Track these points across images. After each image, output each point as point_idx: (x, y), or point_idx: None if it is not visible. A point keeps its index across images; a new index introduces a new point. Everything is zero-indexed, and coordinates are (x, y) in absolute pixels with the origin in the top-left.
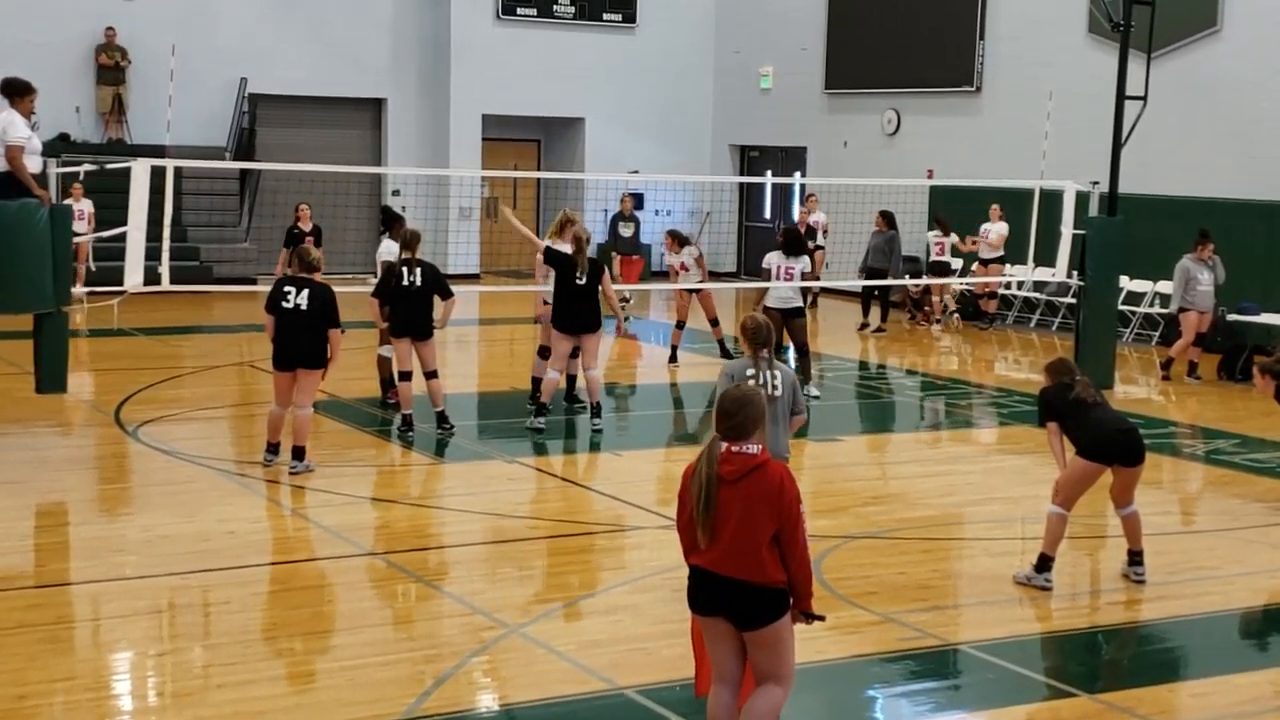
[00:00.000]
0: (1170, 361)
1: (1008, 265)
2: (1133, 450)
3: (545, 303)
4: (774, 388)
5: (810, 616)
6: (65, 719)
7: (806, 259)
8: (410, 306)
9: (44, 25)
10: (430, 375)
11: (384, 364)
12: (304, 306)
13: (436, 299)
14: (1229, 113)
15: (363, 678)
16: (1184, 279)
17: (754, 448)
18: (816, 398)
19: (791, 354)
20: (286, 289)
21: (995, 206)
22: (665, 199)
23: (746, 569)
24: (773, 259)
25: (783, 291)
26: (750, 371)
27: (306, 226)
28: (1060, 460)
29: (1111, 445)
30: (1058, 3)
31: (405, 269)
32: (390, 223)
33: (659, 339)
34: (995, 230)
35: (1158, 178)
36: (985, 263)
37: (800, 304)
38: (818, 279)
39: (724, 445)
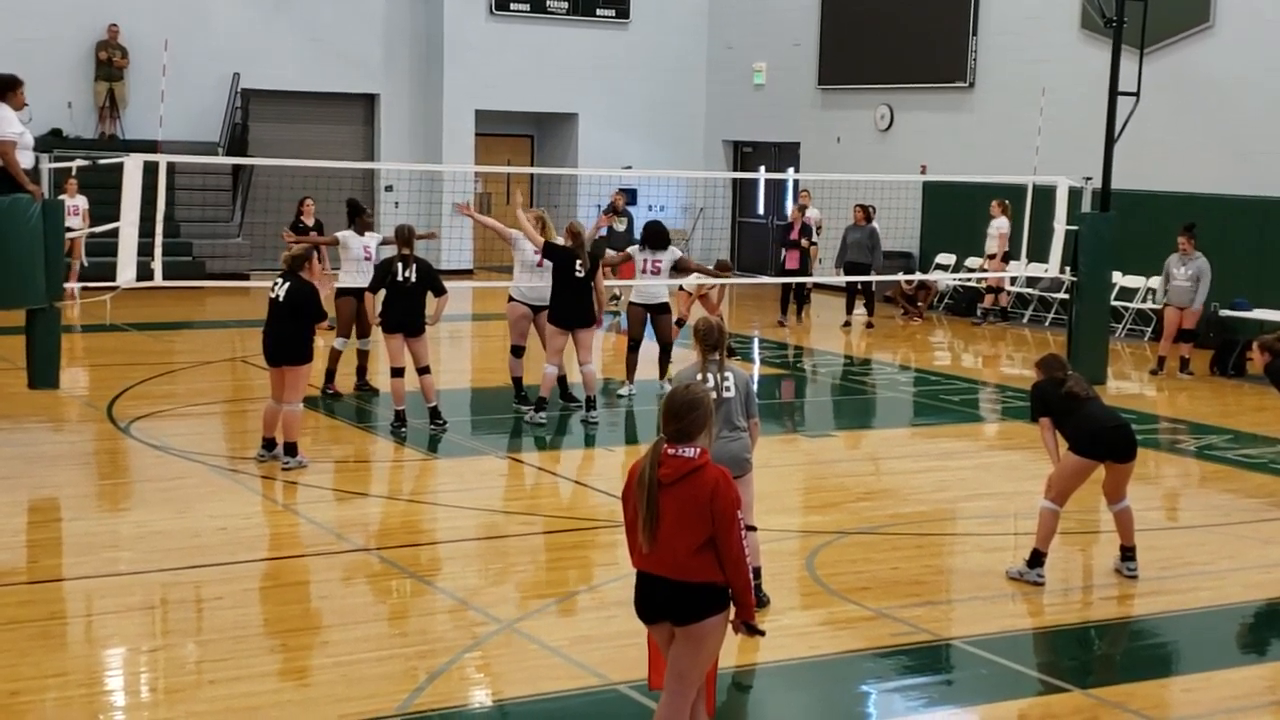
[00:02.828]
0: (1163, 360)
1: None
2: (1125, 446)
3: (512, 299)
4: (725, 390)
5: (752, 629)
6: (58, 715)
7: (675, 250)
8: (404, 302)
9: (38, 20)
10: (423, 371)
11: (334, 356)
12: (281, 299)
13: (430, 295)
14: (1221, 109)
15: (356, 673)
16: (1165, 274)
17: (692, 451)
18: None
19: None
20: (275, 280)
21: (995, 202)
22: (658, 195)
23: (681, 570)
24: (634, 252)
25: (648, 287)
26: (699, 375)
27: (310, 221)
28: (1053, 455)
29: (1104, 441)
30: None
31: (400, 265)
32: (354, 215)
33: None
34: (995, 226)
35: (1150, 174)
36: (991, 257)
37: (666, 300)
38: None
39: (664, 447)
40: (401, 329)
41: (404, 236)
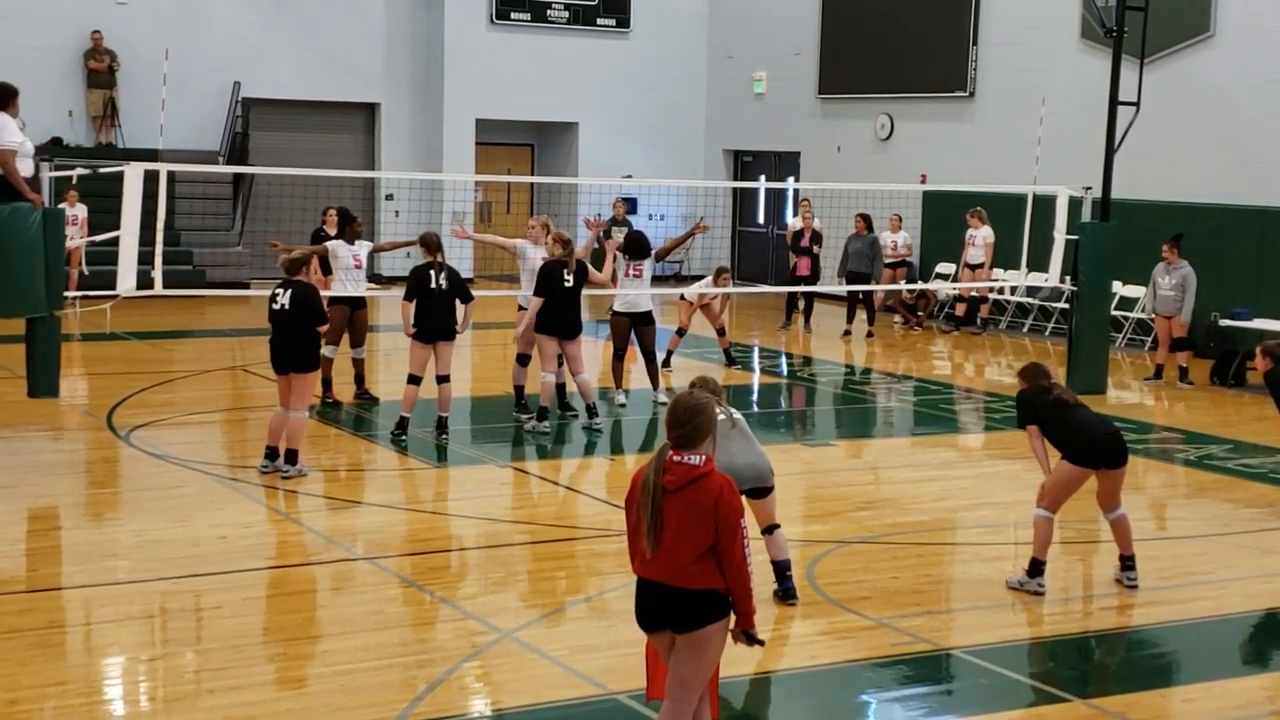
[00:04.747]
0: (1161, 368)
1: (999, 270)
2: (1118, 453)
3: (521, 308)
4: (733, 420)
5: (751, 639)
6: None
7: (651, 260)
8: (437, 310)
9: (36, 28)
10: (443, 379)
11: (326, 363)
12: (287, 306)
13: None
14: (1221, 118)
15: (355, 683)
16: (1151, 284)
17: (697, 458)
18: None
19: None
20: (276, 291)
21: (971, 214)
22: (658, 204)
23: (683, 577)
24: (619, 262)
25: (629, 296)
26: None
27: (333, 231)
28: (1043, 464)
29: (1097, 448)
30: (1051, 8)
31: (432, 272)
32: (344, 224)
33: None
34: (981, 236)
35: (1150, 183)
36: (973, 268)
37: (649, 308)
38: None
39: (669, 454)
40: (437, 337)
41: (434, 243)
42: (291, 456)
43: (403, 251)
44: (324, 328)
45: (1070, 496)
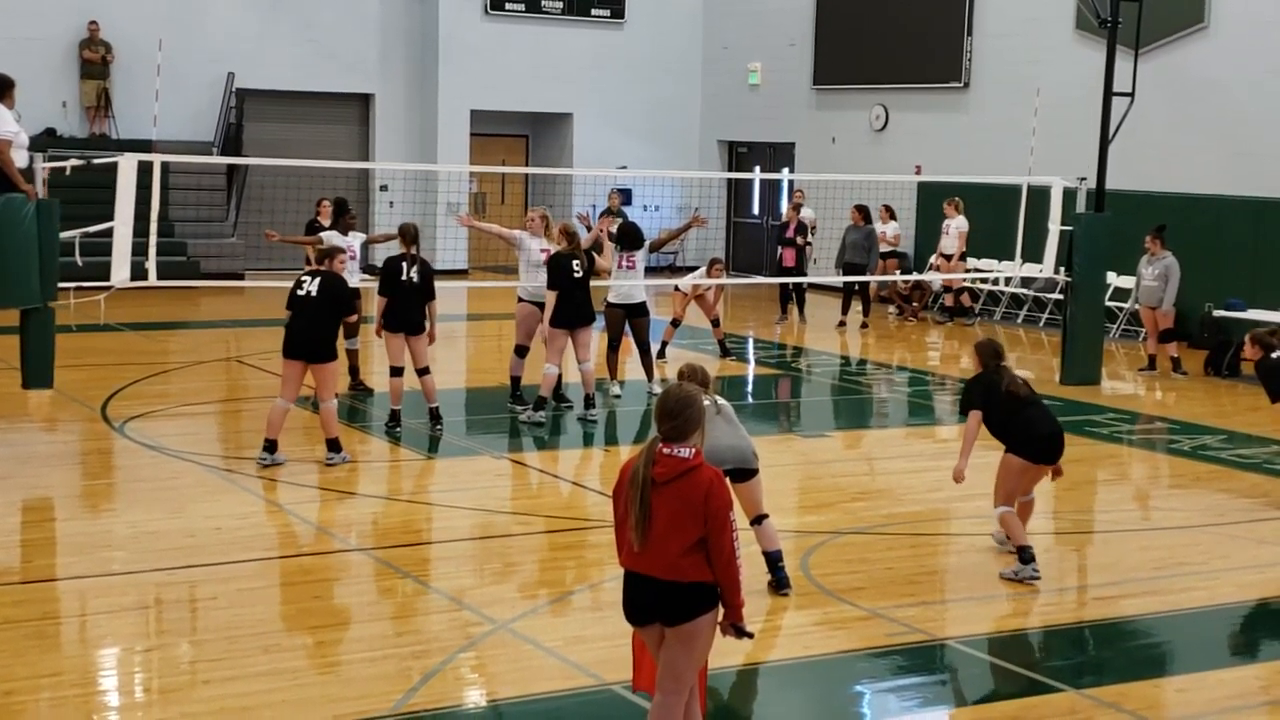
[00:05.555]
0: (1153, 358)
1: (993, 261)
2: (1059, 452)
3: (521, 300)
4: (718, 406)
5: (740, 631)
6: (52, 715)
7: (645, 251)
8: (407, 302)
9: (29, 19)
10: (423, 372)
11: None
12: (314, 294)
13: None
14: (1216, 109)
15: (350, 673)
16: (1137, 276)
17: (687, 451)
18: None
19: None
20: (303, 278)
21: (948, 203)
22: (653, 195)
23: (672, 570)
24: (610, 252)
25: (623, 287)
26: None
27: (326, 222)
28: (967, 450)
29: (1040, 448)
30: None
31: (404, 264)
32: (339, 215)
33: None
34: (955, 225)
35: (1145, 174)
36: (947, 257)
37: (644, 299)
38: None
39: (659, 446)
40: (404, 329)
41: (410, 235)
42: (334, 445)
43: (396, 243)
44: (352, 318)
45: (1021, 485)
